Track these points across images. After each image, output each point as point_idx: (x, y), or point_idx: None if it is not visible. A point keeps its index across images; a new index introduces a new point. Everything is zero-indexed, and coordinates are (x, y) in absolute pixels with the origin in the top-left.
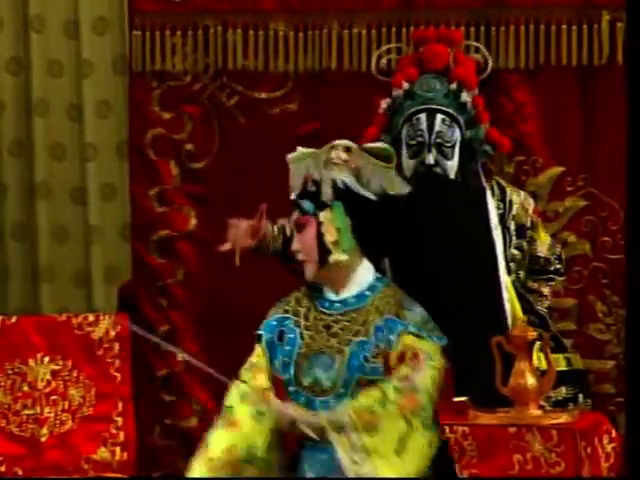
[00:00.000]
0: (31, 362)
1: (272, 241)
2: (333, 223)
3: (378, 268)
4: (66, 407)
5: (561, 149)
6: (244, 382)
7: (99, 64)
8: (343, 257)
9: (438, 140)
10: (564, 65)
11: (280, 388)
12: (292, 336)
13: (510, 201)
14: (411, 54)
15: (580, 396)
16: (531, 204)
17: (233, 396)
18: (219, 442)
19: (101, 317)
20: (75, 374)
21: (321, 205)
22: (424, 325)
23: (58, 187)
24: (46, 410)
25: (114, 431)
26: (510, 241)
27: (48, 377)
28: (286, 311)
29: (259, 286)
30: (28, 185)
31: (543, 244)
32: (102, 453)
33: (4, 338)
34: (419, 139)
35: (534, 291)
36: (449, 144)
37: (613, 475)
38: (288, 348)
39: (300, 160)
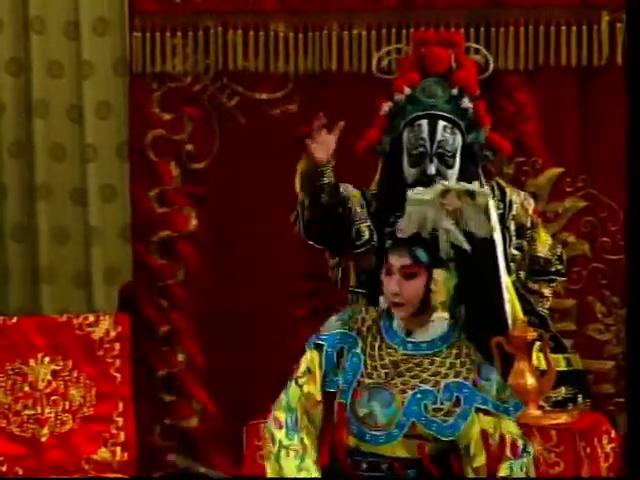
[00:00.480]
0: (32, 362)
1: (328, 186)
2: (446, 284)
3: None
4: (67, 407)
5: (560, 150)
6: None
7: (99, 65)
8: (446, 316)
9: (439, 150)
10: (564, 66)
11: (327, 403)
12: (356, 361)
13: (510, 201)
14: (412, 55)
15: (579, 396)
16: (531, 204)
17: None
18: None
19: (101, 318)
20: (75, 374)
21: (437, 260)
22: (500, 396)
23: (58, 188)
24: (47, 410)
25: (114, 431)
26: (510, 241)
27: (49, 377)
28: (350, 329)
29: (259, 287)
30: (28, 186)
31: (543, 244)
32: (102, 453)
33: (5, 338)
34: (421, 149)
35: (535, 292)
36: (450, 153)
37: (612, 475)
38: (351, 374)
39: (421, 204)
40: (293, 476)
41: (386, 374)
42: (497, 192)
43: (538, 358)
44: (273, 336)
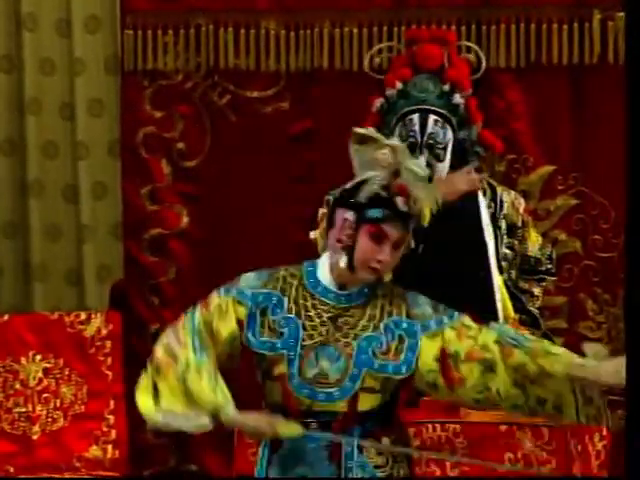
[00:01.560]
0: (23, 360)
1: None
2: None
3: None
4: (58, 405)
5: (552, 148)
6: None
7: (91, 62)
8: (390, 277)
9: (430, 141)
10: (555, 64)
11: (249, 359)
12: (293, 326)
13: (501, 200)
14: (404, 54)
15: None
16: (522, 203)
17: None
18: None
19: (93, 315)
20: (67, 372)
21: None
22: (437, 314)
23: (50, 185)
24: (38, 408)
25: (106, 429)
26: (501, 240)
27: (40, 375)
28: (274, 288)
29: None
30: (20, 183)
31: (534, 244)
32: (94, 451)
33: None
34: (411, 140)
35: (525, 291)
36: (441, 146)
37: (605, 473)
38: (292, 340)
39: (415, 174)
40: (207, 398)
41: (327, 331)
42: (488, 191)
43: None
44: None
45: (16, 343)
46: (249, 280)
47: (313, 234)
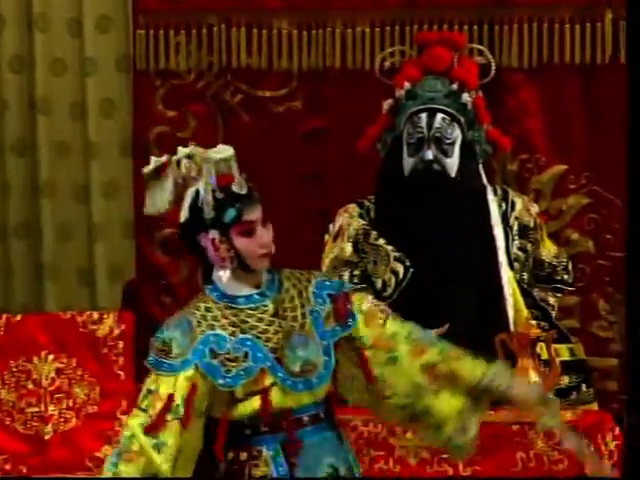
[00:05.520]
0: (35, 360)
1: None
2: None
3: None
4: (70, 405)
5: (564, 147)
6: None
7: (103, 62)
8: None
9: (437, 135)
10: (567, 63)
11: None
12: (249, 343)
13: (512, 201)
14: (415, 58)
15: (583, 385)
16: (534, 207)
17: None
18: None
19: (105, 315)
20: (79, 372)
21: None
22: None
23: (62, 185)
24: (50, 408)
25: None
26: (512, 240)
27: (53, 375)
28: (202, 332)
29: None
30: (32, 183)
31: (549, 251)
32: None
33: (9, 336)
34: (418, 135)
35: (541, 300)
36: (448, 141)
37: (617, 473)
38: (260, 355)
39: (228, 160)
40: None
41: (279, 325)
42: (500, 191)
43: (541, 348)
44: None
45: (29, 343)
46: (177, 344)
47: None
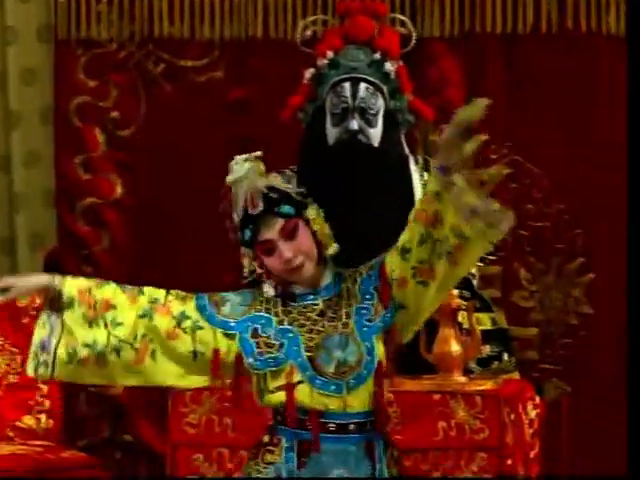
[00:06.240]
0: None
1: None
2: (320, 216)
3: None
4: None
5: (486, 117)
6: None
7: (24, 31)
8: (337, 246)
9: (362, 105)
10: (488, 33)
11: (247, 384)
12: (291, 335)
13: None
14: (337, 27)
15: (505, 355)
16: None
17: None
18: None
19: None
20: (0, 342)
21: (298, 204)
22: None
23: None
24: None
25: (40, 399)
26: None
27: None
28: (258, 310)
29: (185, 255)
30: None
31: None
32: (28, 420)
33: None
34: (343, 105)
35: None
36: (372, 111)
37: (537, 441)
38: (294, 348)
39: (237, 182)
40: None
41: (322, 326)
42: (421, 161)
43: (463, 318)
44: None
45: None
46: (233, 306)
47: None
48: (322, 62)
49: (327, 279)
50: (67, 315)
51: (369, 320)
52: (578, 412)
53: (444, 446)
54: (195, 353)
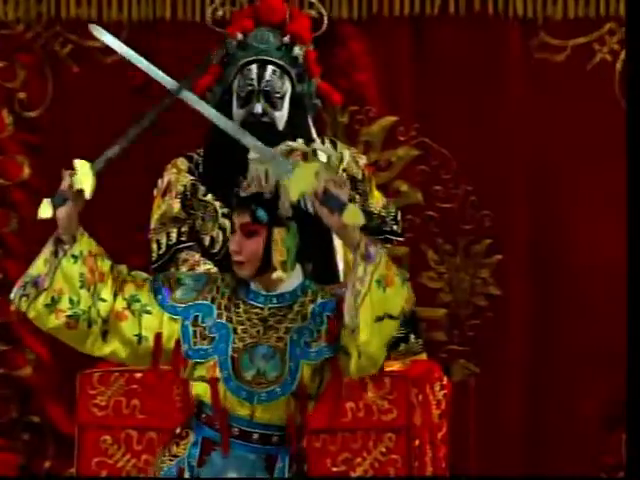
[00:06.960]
0: None
1: None
2: (285, 243)
3: None
4: None
5: (394, 99)
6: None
7: None
8: (284, 276)
9: (267, 88)
10: (397, 15)
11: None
12: (224, 331)
13: (341, 154)
14: (247, 7)
15: (412, 336)
16: (363, 159)
17: None
18: None
19: None
20: None
21: (276, 220)
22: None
23: None
24: None
25: None
26: None
27: None
28: (204, 298)
29: (94, 236)
30: None
31: (377, 201)
32: None
33: None
34: (249, 88)
35: None
36: (278, 94)
37: (445, 422)
38: (222, 345)
39: (262, 163)
40: None
41: (257, 332)
42: (328, 143)
43: None
44: None
45: None
46: (185, 291)
47: None
48: (231, 43)
49: (287, 288)
50: (69, 267)
51: (307, 343)
52: (485, 393)
53: (352, 427)
54: (140, 337)
